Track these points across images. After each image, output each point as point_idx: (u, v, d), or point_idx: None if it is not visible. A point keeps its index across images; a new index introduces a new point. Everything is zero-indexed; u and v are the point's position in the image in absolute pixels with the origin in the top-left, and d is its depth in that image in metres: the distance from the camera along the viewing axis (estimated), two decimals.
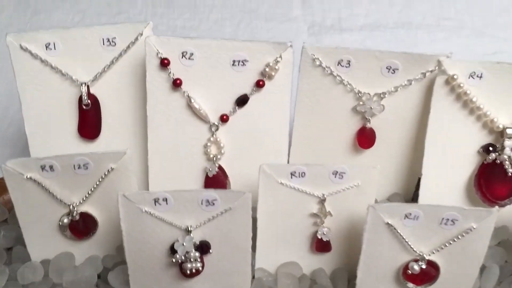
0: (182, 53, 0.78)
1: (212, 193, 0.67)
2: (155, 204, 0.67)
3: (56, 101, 0.83)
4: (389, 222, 0.68)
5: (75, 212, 0.73)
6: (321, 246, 0.76)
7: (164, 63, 0.77)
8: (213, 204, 0.68)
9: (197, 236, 0.69)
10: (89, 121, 0.83)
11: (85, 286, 0.74)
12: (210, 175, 0.82)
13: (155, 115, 0.80)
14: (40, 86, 0.82)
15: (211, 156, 0.82)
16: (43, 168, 0.71)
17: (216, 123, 0.81)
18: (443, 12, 1.27)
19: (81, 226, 0.75)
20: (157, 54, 0.77)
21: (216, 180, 0.82)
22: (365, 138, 0.82)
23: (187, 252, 0.68)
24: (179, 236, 0.69)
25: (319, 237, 0.75)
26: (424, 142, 0.80)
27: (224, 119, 0.80)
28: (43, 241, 0.76)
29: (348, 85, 0.79)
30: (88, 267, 0.77)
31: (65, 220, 0.73)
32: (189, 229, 0.68)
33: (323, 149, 0.84)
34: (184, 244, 0.68)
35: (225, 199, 0.67)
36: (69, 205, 0.73)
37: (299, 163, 0.72)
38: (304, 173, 0.73)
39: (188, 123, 0.81)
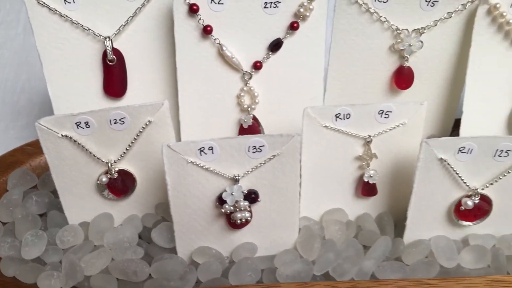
0: None
1: (259, 139, 0.64)
2: (201, 154, 0.64)
3: (79, 59, 0.79)
4: (443, 158, 0.66)
5: (113, 170, 0.70)
6: (367, 189, 0.74)
7: (193, 9, 0.73)
8: (260, 150, 0.65)
9: (244, 186, 0.66)
10: (114, 78, 0.79)
11: (128, 246, 0.71)
12: (245, 126, 0.79)
13: (184, 67, 0.77)
14: (60, 44, 0.78)
15: (245, 106, 0.79)
16: (78, 125, 0.67)
17: (249, 71, 0.77)
18: None
19: (120, 185, 0.72)
20: (185, 0, 0.73)
21: (251, 131, 0.79)
22: (403, 78, 0.80)
23: (236, 202, 0.66)
24: (226, 186, 0.66)
25: (366, 180, 0.73)
26: (462, 80, 0.78)
27: (257, 66, 0.77)
28: (80, 203, 0.73)
29: (386, 22, 0.76)
30: (128, 227, 0.74)
31: (104, 179, 0.70)
32: (237, 177, 0.66)
33: (359, 93, 0.81)
34: (233, 193, 0.65)
35: (273, 144, 0.65)
36: (107, 163, 0.70)
37: (344, 104, 0.70)
38: (349, 114, 0.70)
39: (219, 74, 0.78)
